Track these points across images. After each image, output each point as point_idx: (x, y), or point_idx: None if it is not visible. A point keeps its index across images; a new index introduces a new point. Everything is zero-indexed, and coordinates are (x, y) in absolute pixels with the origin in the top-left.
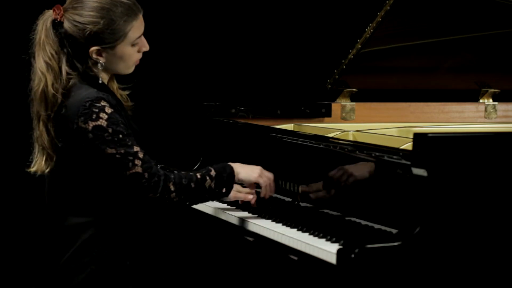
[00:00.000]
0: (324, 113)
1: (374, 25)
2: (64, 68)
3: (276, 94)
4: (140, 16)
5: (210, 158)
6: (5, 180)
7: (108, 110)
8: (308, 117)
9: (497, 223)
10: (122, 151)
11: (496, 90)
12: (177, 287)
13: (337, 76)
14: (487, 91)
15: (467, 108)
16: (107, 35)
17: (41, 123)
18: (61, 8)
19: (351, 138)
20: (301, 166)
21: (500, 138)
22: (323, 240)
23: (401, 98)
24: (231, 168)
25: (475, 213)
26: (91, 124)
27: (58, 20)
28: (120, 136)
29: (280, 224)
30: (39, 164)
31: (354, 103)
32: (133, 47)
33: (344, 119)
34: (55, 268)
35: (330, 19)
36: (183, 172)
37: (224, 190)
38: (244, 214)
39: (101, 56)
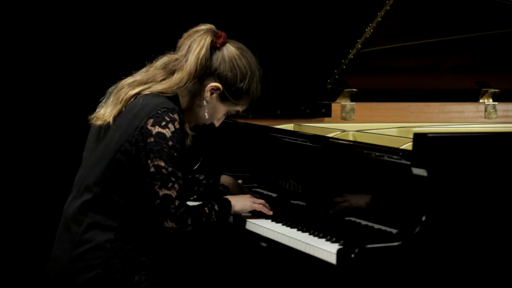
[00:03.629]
0: (324, 113)
1: (374, 25)
2: (194, 82)
3: (276, 94)
4: (247, 106)
5: (210, 158)
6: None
7: (177, 125)
8: (308, 117)
9: (497, 223)
10: (170, 168)
11: (496, 90)
12: None
13: (337, 76)
14: (487, 91)
15: (467, 108)
16: (236, 91)
17: (135, 89)
18: (226, 36)
19: (351, 138)
20: (301, 166)
21: (500, 138)
22: (323, 240)
23: (401, 98)
24: (229, 203)
25: (475, 213)
26: (157, 129)
27: (219, 44)
28: (175, 154)
29: (280, 224)
30: (107, 114)
31: (354, 103)
32: (223, 115)
33: (344, 119)
34: (63, 261)
35: (330, 19)
36: (195, 207)
37: (221, 222)
38: (244, 214)
39: (211, 95)
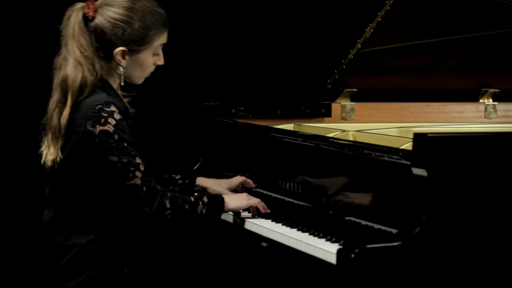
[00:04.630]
0: (324, 113)
1: (374, 25)
2: (97, 62)
3: (276, 94)
4: (167, 30)
5: (210, 158)
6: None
7: (117, 116)
8: (308, 117)
9: (497, 223)
10: (125, 160)
11: (496, 90)
12: None
13: (337, 76)
14: (487, 91)
15: (467, 108)
16: (138, 39)
17: (66, 109)
18: (95, 3)
19: (351, 138)
20: (301, 166)
21: (500, 138)
22: (323, 240)
23: (401, 98)
24: (222, 198)
25: (475, 213)
26: (98, 128)
27: (91, 15)
28: (125, 144)
29: (280, 224)
30: (53, 153)
31: (354, 103)
32: (153, 57)
33: (344, 119)
34: (52, 273)
35: (330, 19)
36: (177, 194)
37: (212, 217)
38: (244, 214)
39: (123, 58)
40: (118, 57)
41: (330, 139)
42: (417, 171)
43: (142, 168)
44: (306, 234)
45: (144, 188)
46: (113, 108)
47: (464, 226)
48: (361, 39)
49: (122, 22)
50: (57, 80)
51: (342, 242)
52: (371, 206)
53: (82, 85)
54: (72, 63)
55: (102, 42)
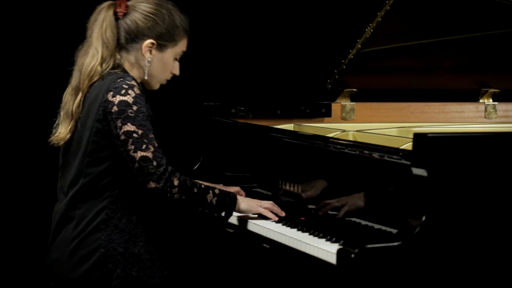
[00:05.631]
0: (324, 113)
1: (374, 25)
2: (119, 54)
3: (276, 94)
4: (188, 37)
5: (210, 158)
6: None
7: (137, 90)
8: (308, 117)
9: (497, 223)
10: (140, 131)
11: (496, 90)
12: None
13: (337, 76)
14: (487, 91)
15: (467, 108)
16: (167, 33)
17: (79, 95)
18: (126, 2)
19: (351, 138)
20: (301, 166)
21: (500, 138)
22: (323, 240)
23: (401, 98)
24: (235, 196)
25: (475, 213)
26: (118, 98)
27: (121, 13)
28: (142, 116)
29: (280, 224)
30: (63, 132)
31: (354, 103)
32: (173, 62)
33: (344, 119)
34: (62, 260)
35: (330, 19)
36: (187, 177)
37: (223, 213)
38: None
39: (150, 53)
40: (146, 50)
41: (330, 139)
42: (417, 171)
43: (155, 143)
44: (306, 234)
45: (155, 163)
46: (134, 82)
47: (464, 226)
48: (361, 39)
49: (154, 15)
50: (76, 69)
51: (342, 242)
52: (371, 206)
53: (94, 74)
54: (91, 53)
55: (132, 34)
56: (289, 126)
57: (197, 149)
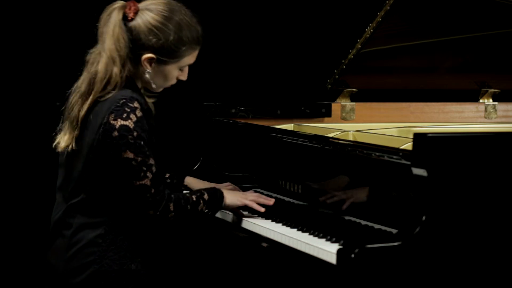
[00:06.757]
0: (324, 113)
1: (374, 25)
2: (128, 63)
3: (276, 94)
4: (199, 48)
5: (210, 158)
6: (7, 175)
7: (139, 113)
8: (308, 117)
9: (497, 223)
10: (139, 159)
11: (496, 90)
12: None
13: (337, 76)
14: (487, 91)
15: (467, 108)
16: (169, 51)
17: (87, 103)
18: (137, 5)
19: (351, 138)
20: (301, 166)
21: (500, 138)
22: (323, 240)
23: (401, 98)
24: (221, 194)
25: (475, 213)
26: (120, 123)
27: (131, 16)
28: (142, 143)
29: (280, 224)
30: (67, 140)
31: (354, 103)
32: (178, 72)
33: (344, 119)
34: (58, 267)
35: (330, 19)
36: (180, 194)
37: (211, 213)
38: (244, 213)
39: (150, 65)
40: (145, 63)
41: (330, 139)
42: (417, 171)
43: (154, 169)
44: (306, 234)
45: (152, 190)
46: (136, 104)
47: (464, 226)
48: (361, 39)
49: (158, 30)
50: (87, 74)
51: (342, 242)
52: (371, 206)
53: (108, 83)
54: (105, 61)
55: (134, 44)
56: (289, 126)
57: (197, 149)
